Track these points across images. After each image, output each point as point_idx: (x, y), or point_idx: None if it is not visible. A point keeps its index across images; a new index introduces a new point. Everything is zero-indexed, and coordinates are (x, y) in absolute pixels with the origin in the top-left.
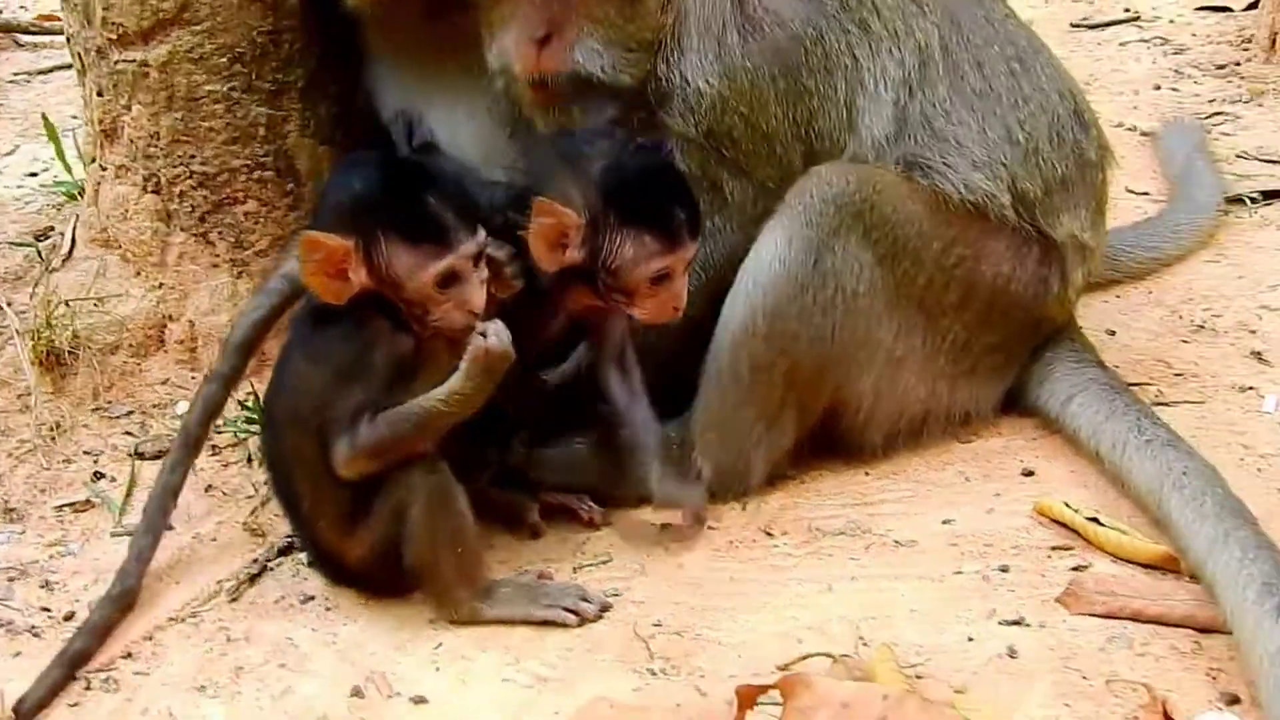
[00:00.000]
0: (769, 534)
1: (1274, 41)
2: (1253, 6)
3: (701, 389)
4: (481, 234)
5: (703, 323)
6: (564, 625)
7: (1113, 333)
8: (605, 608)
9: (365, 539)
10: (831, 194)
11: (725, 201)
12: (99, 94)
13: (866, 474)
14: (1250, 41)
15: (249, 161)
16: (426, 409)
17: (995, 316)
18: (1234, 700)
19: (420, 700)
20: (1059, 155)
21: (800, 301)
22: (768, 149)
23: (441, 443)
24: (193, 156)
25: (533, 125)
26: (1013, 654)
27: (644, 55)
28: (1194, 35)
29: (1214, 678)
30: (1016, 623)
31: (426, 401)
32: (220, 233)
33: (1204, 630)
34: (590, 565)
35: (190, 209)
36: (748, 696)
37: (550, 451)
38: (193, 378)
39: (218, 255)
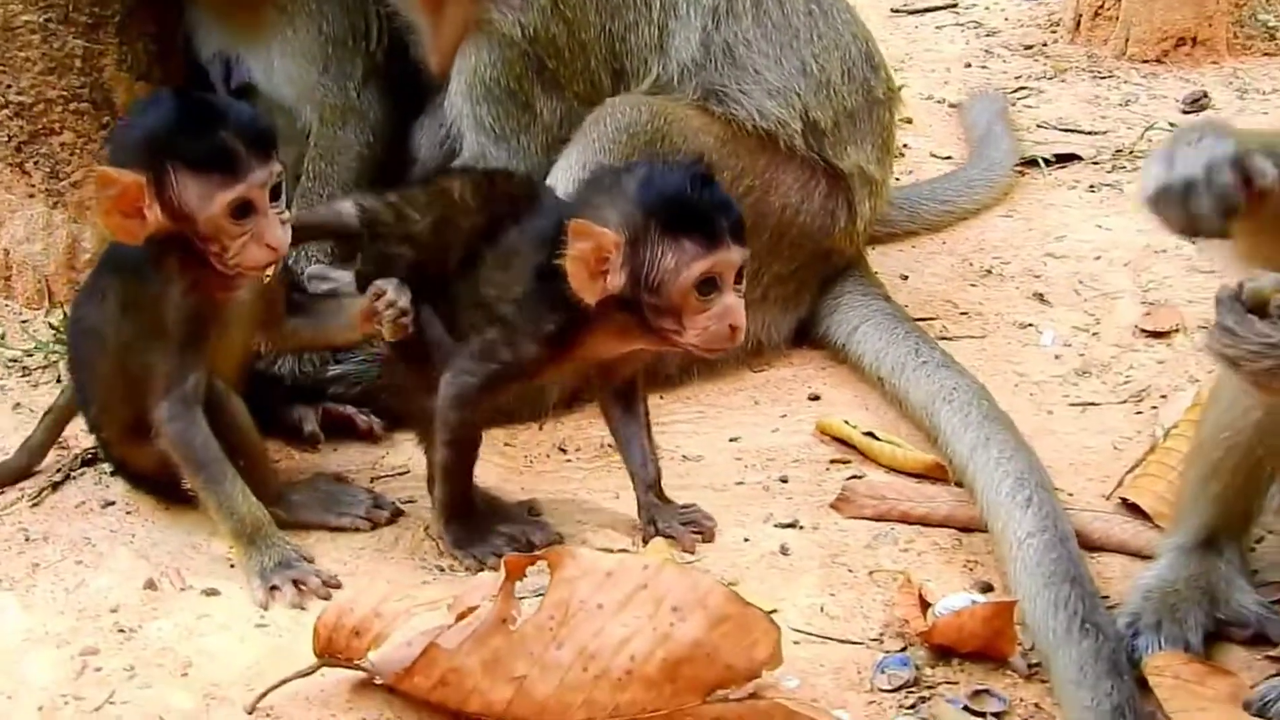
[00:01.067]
0: (563, 450)
1: (1078, 23)
2: None
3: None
4: (276, 165)
5: None
6: (357, 530)
7: (906, 277)
8: (398, 513)
9: (151, 453)
10: (625, 123)
11: (534, 119)
12: None
13: (661, 398)
14: (1058, 24)
15: (65, 93)
16: None
17: (784, 246)
18: (987, 588)
19: (212, 592)
20: (849, 89)
21: None
22: (583, 62)
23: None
24: (9, 86)
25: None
26: (785, 551)
27: None
28: (1006, 19)
29: (970, 569)
30: (791, 525)
31: None
32: (36, 162)
33: (965, 529)
34: (387, 476)
35: (6, 138)
36: (515, 567)
37: (340, 365)
38: (6, 305)
39: (33, 185)
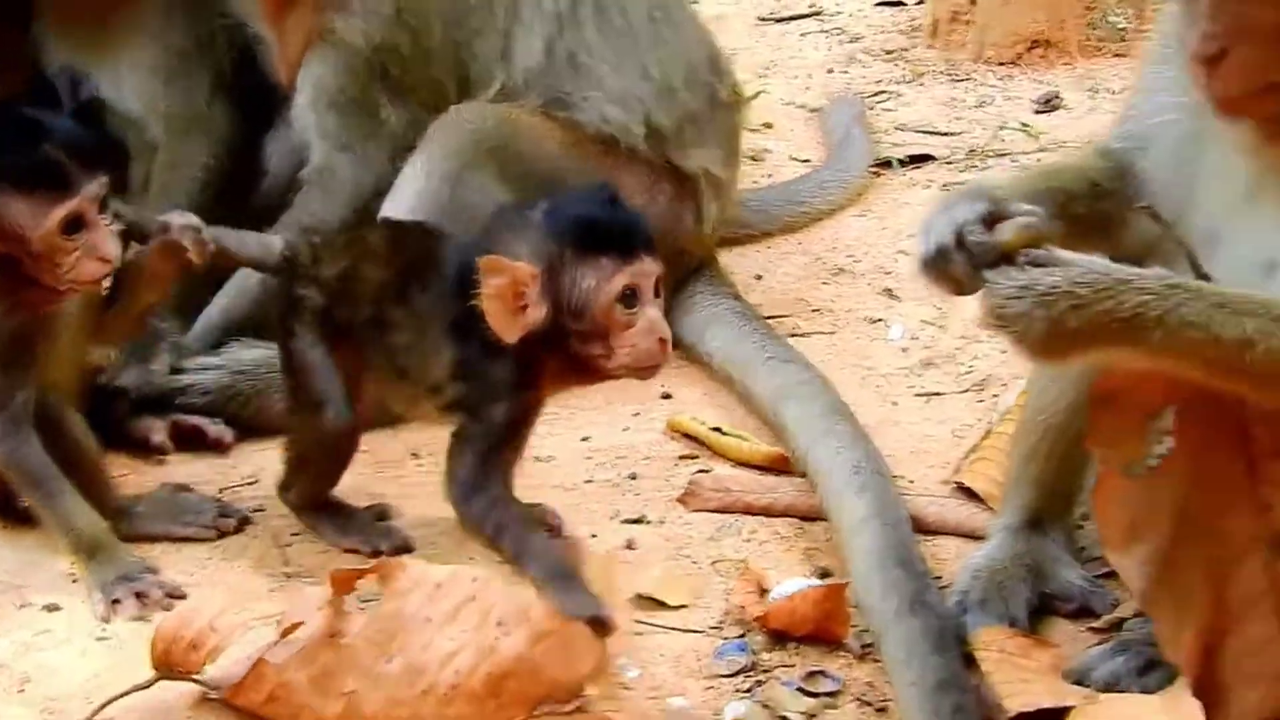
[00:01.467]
0: (415, 455)
1: (936, 29)
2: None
3: None
4: (103, 176)
5: None
6: (204, 540)
7: (760, 277)
8: (245, 521)
9: None
10: (468, 130)
11: (380, 127)
12: None
13: None
14: (917, 30)
15: None
16: None
17: None
18: (825, 574)
19: (53, 608)
20: (692, 93)
21: None
22: (428, 70)
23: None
24: None
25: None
26: (631, 546)
27: None
28: (869, 26)
29: (810, 556)
30: (638, 520)
31: None
32: None
33: (806, 518)
34: (237, 486)
35: None
36: (343, 581)
37: (188, 375)
38: None
39: None
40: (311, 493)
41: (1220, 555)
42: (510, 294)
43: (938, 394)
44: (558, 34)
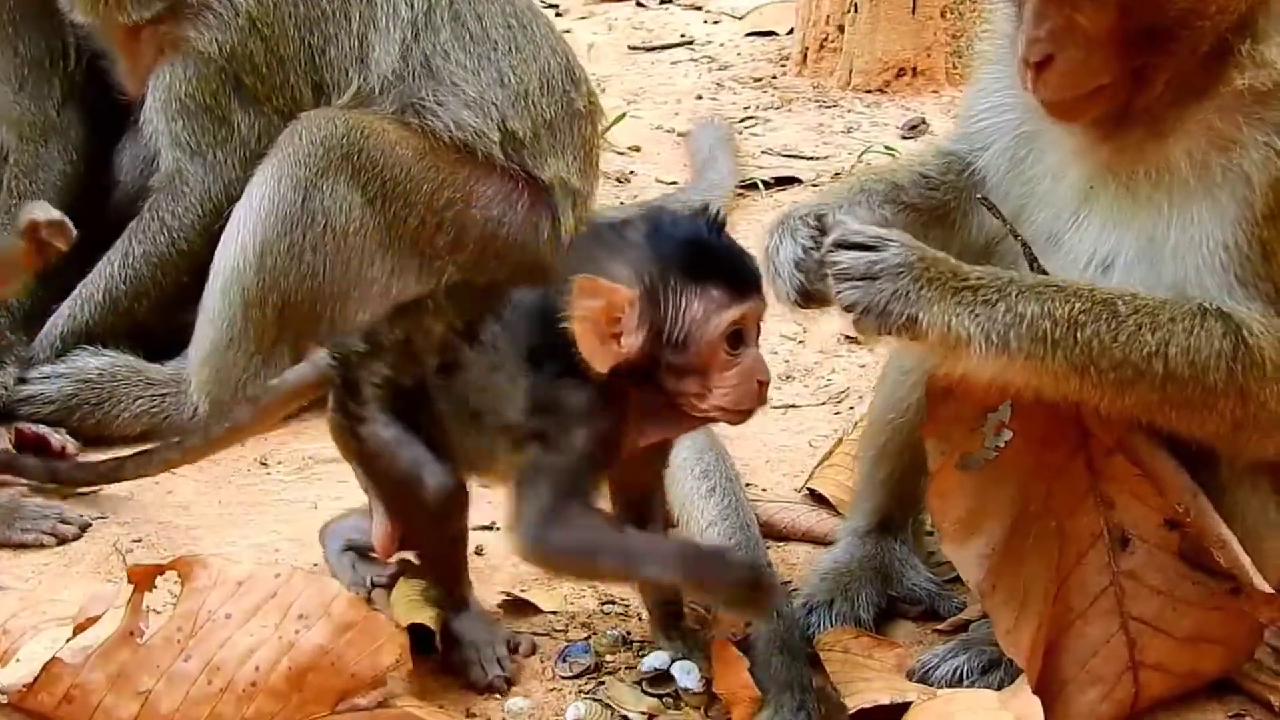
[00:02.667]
0: (264, 464)
1: (805, 57)
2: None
3: (198, 325)
4: None
5: (203, 259)
6: (42, 546)
7: None
8: (85, 526)
9: None
10: (320, 136)
11: (231, 134)
12: None
13: None
14: (787, 58)
15: None
16: None
17: (489, 258)
18: None
19: None
20: (548, 101)
21: (290, 238)
22: (283, 77)
23: None
24: None
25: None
26: (479, 552)
27: None
28: (739, 55)
29: None
30: (487, 528)
31: None
32: None
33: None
34: (80, 493)
35: None
36: (142, 577)
37: (32, 385)
38: None
39: None
40: (452, 590)
41: (1061, 552)
42: (605, 318)
43: (795, 406)
44: (413, 40)
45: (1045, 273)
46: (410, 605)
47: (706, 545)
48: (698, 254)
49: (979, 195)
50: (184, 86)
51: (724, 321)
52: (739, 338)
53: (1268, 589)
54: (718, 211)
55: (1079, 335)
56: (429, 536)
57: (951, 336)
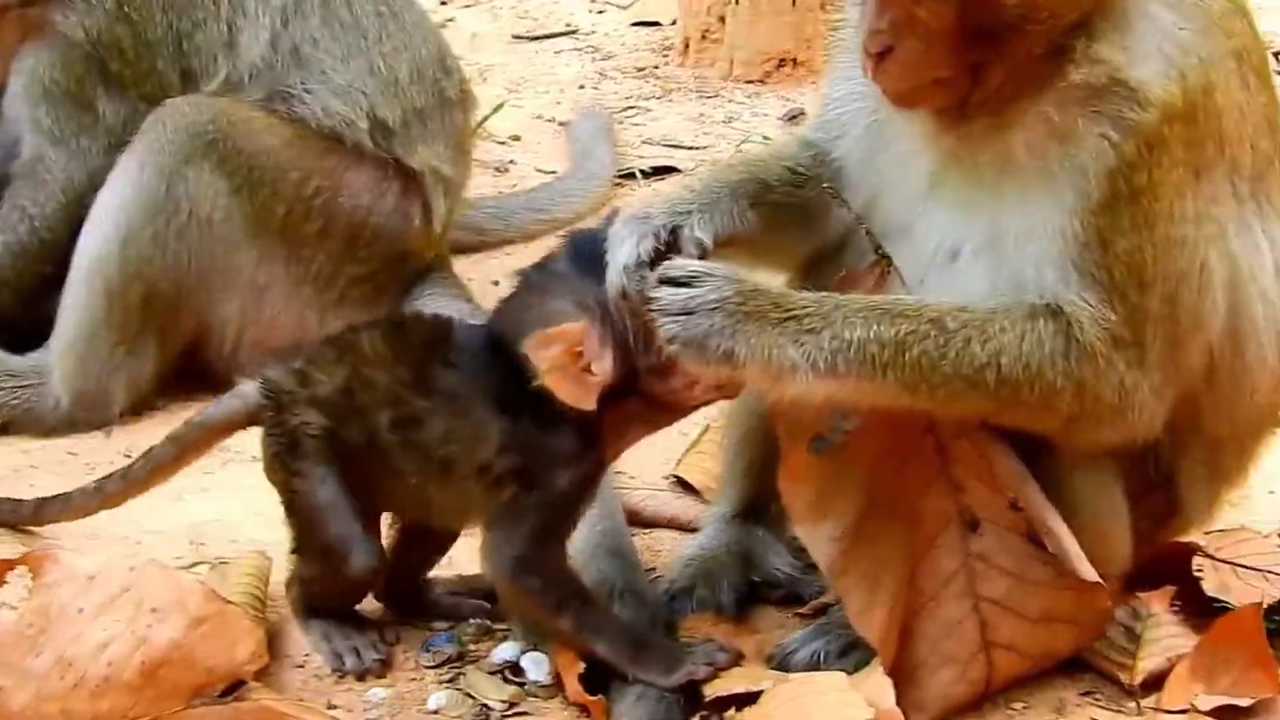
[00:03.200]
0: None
1: (687, 48)
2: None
3: (60, 315)
4: None
5: (65, 248)
6: None
7: (497, 283)
8: None
9: None
10: (185, 123)
11: (96, 121)
12: None
13: None
14: (669, 49)
15: None
16: None
17: (359, 248)
18: None
19: None
20: (418, 89)
21: (154, 227)
22: (150, 62)
23: None
24: None
25: None
26: None
27: None
28: (623, 45)
29: None
30: None
31: None
32: None
33: None
34: None
35: None
36: None
37: None
38: None
39: None
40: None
41: (912, 534)
42: (569, 360)
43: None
44: (282, 26)
45: (890, 259)
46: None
47: (657, 642)
48: None
49: (826, 185)
50: (48, 72)
51: None
52: None
53: (1094, 577)
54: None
55: (907, 356)
56: (327, 584)
57: (774, 367)
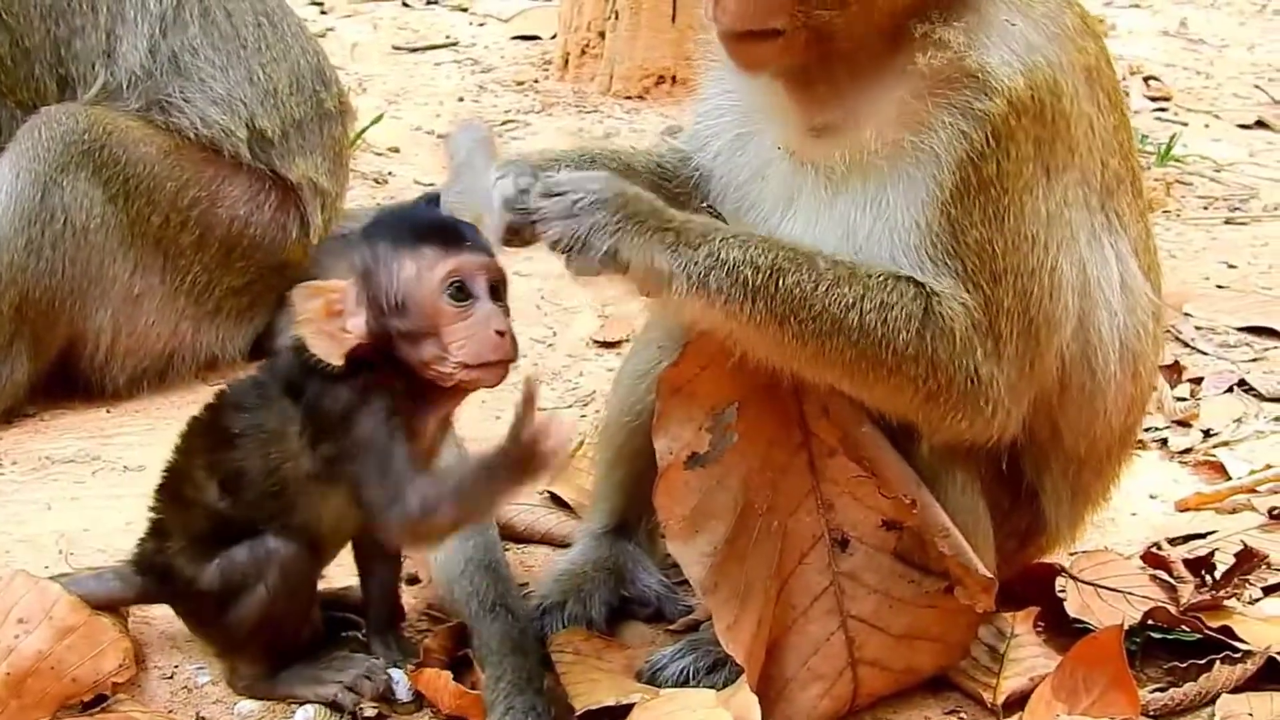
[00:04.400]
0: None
1: (566, 62)
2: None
3: None
4: None
5: None
6: None
7: None
8: None
9: None
10: (60, 132)
11: None
12: None
13: (108, 411)
14: (550, 63)
15: None
16: None
17: (236, 259)
18: (413, 580)
19: None
20: (297, 100)
21: (28, 234)
22: (27, 69)
23: None
24: None
25: None
26: None
27: None
28: (503, 58)
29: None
30: None
31: None
32: None
33: None
34: None
35: None
36: None
37: None
38: None
39: None
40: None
41: (783, 551)
42: (325, 313)
43: (542, 409)
44: (161, 35)
45: None
46: None
47: (510, 454)
48: (404, 224)
49: (704, 204)
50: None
51: (438, 273)
52: (463, 290)
53: (987, 574)
54: (435, 194)
55: (781, 283)
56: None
57: (654, 273)
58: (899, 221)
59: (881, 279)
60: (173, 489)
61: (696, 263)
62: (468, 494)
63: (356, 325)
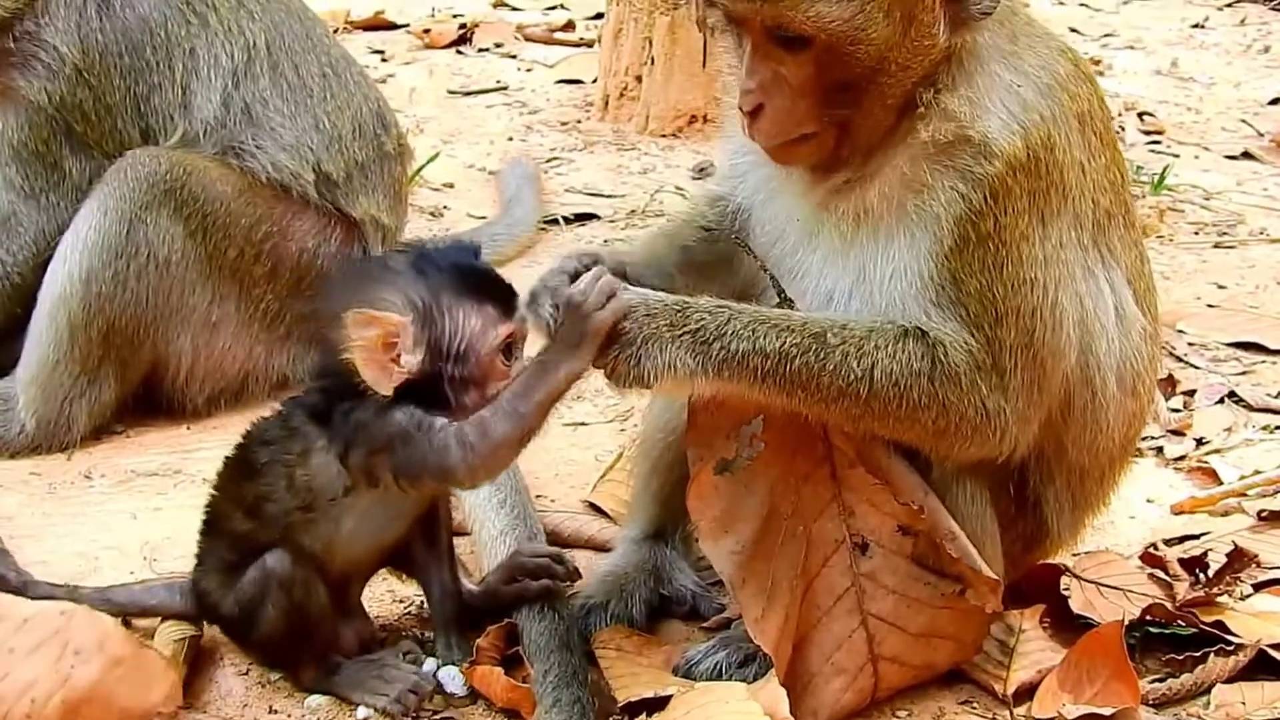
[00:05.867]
0: (88, 477)
1: (606, 104)
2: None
3: (25, 347)
4: None
5: (34, 290)
6: None
7: None
8: None
9: None
10: (144, 173)
11: (63, 178)
12: None
13: (188, 428)
14: (591, 105)
15: None
16: None
17: (304, 288)
18: None
19: None
20: (360, 144)
21: (114, 267)
22: (111, 123)
23: None
24: None
25: None
26: None
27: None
28: (548, 100)
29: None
30: None
31: None
32: None
33: (457, 533)
34: None
35: None
36: None
37: None
38: None
39: None
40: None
41: (808, 554)
42: (381, 345)
43: (584, 424)
44: (233, 88)
45: (792, 301)
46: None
47: (548, 355)
48: (468, 276)
49: (735, 237)
50: (16, 134)
51: (500, 334)
52: (510, 350)
53: (993, 576)
54: (475, 242)
55: (789, 366)
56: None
57: (677, 376)
58: (905, 272)
59: (889, 345)
60: (207, 521)
61: (711, 358)
62: (521, 397)
63: (410, 363)
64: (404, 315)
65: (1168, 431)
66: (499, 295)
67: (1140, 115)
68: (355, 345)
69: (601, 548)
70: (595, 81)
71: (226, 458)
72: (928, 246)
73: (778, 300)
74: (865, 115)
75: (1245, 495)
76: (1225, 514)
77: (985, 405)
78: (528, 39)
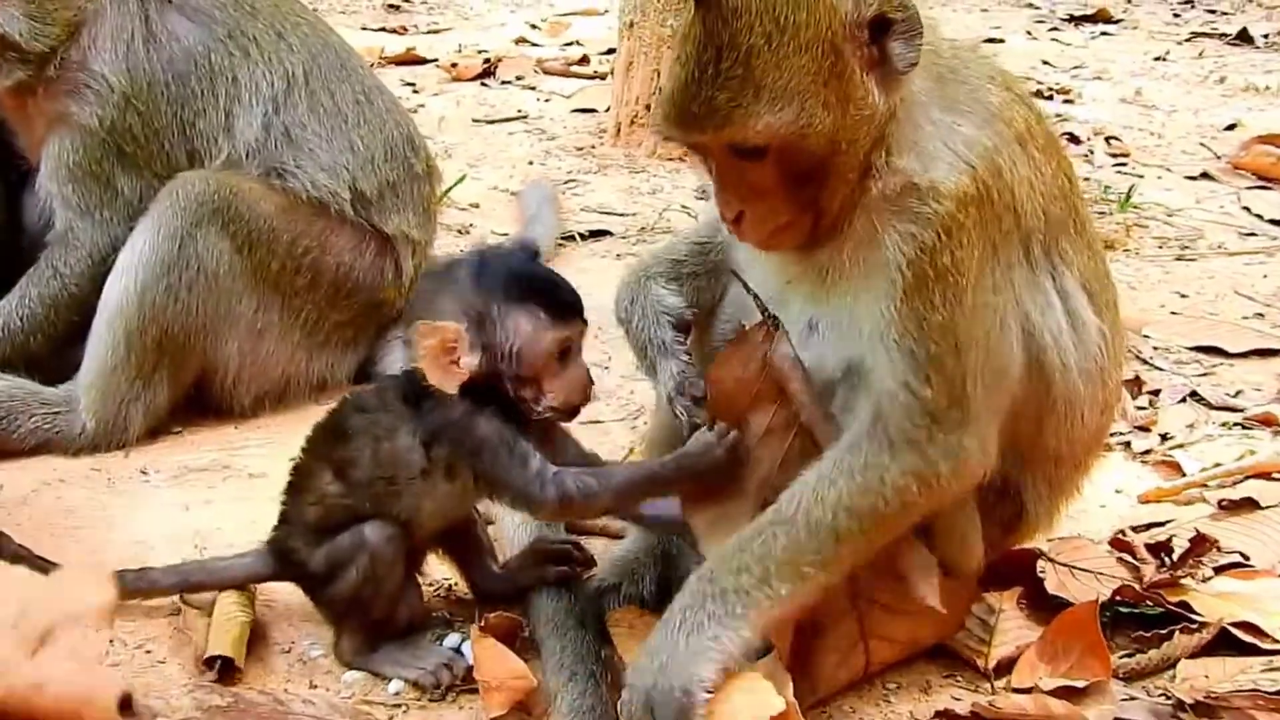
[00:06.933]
0: (144, 473)
1: (618, 131)
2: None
3: (86, 354)
4: None
5: (90, 301)
6: None
7: None
8: None
9: None
10: (194, 193)
11: (115, 196)
12: None
13: (236, 427)
14: (604, 131)
15: None
16: None
17: (342, 298)
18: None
19: None
20: (391, 166)
21: (167, 280)
22: (159, 145)
23: None
24: None
25: None
26: None
27: (59, 31)
28: (565, 128)
29: None
30: None
31: None
32: None
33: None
34: None
35: None
36: None
37: None
38: None
39: None
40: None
41: None
42: (440, 351)
43: (600, 422)
44: (274, 113)
45: (778, 320)
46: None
47: (664, 464)
48: (520, 282)
49: (730, 268)
50: (71, 156)
51: (552, 339)
52: (567, 354)
53: (942, 611)
54: (535, 246)
55: (775, 582)
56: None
57: (720, 659)
58: (870, 316)
59: (843, 477)
60: (296, 482)
61: (729, 629)
62: (629, 487)
63: (469, 364)
64: (460, 322)
65: (1135, 428)
66: (551, 299)
67: (1108, 139)
68: (420, 354)
69: (615, 536)
70: (608, 110)
71: (318, 422)
72: (888, 290)
73: (761, 320)
74: (832, 192)
75: (1206, 486)
76: (1188, 503)
77: (958, 454)
78: (546, 72)
